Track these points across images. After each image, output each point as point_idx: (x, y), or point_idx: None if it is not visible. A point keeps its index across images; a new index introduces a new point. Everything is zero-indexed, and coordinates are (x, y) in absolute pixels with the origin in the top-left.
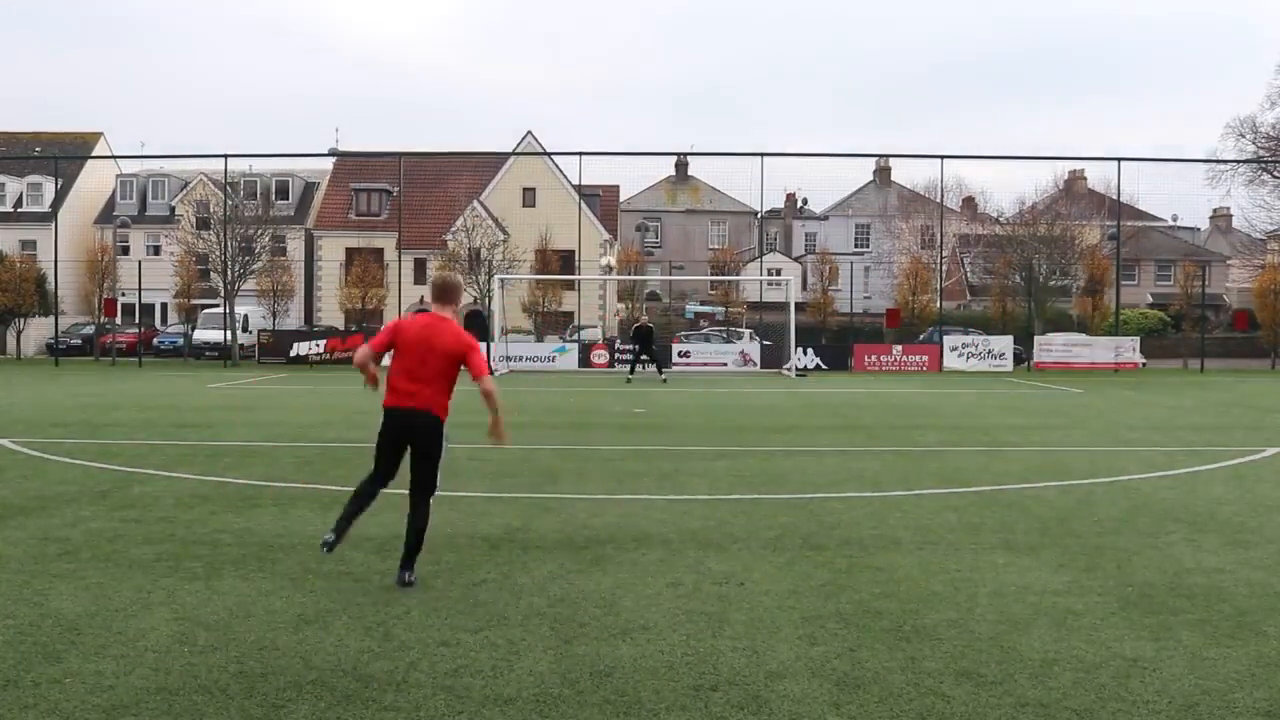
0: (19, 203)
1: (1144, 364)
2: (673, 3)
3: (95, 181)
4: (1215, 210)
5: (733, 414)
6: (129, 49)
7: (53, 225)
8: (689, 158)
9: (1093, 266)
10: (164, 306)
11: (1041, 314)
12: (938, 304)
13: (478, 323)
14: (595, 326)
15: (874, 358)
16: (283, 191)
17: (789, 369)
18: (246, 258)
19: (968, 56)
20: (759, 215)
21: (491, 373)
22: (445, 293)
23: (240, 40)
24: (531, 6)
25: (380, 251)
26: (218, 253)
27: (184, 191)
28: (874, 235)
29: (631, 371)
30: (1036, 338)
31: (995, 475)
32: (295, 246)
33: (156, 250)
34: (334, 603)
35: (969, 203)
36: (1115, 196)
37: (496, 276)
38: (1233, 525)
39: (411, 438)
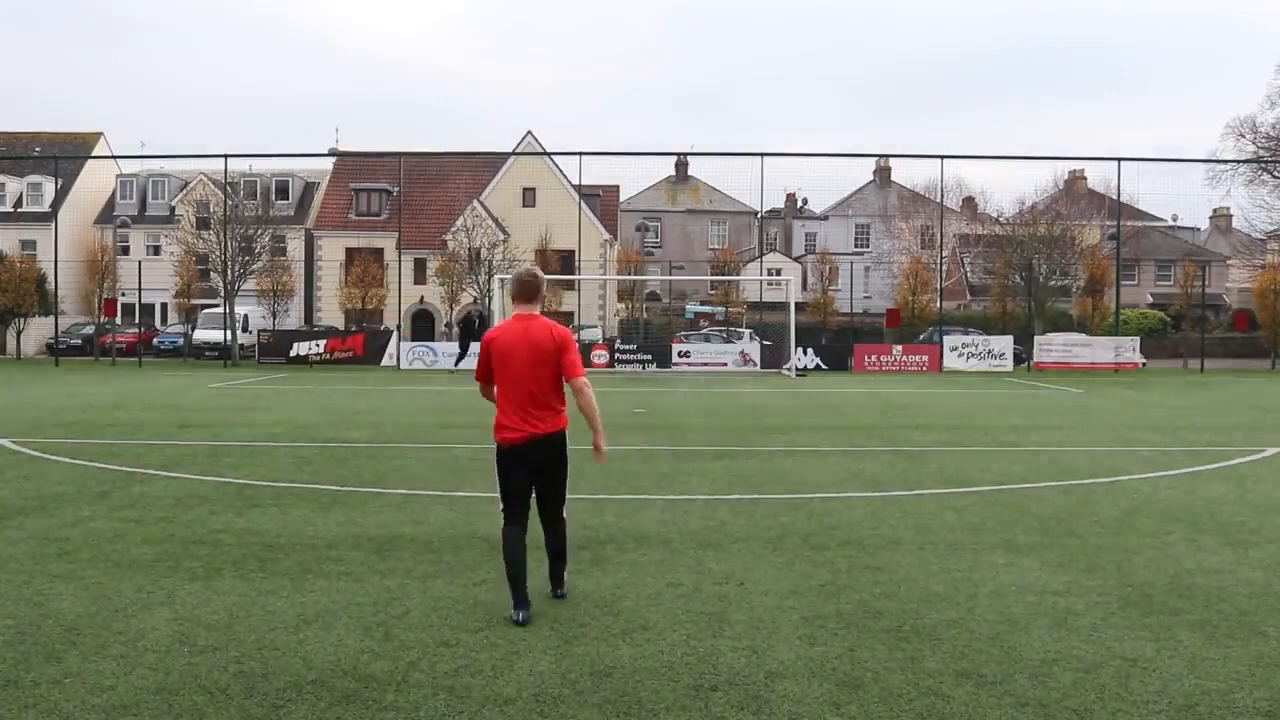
0: (19, 203)
1: (1144, 364)
2: (673, 3)
3: (95, 181)
4: (1215, 210)
5: (733, 414)
6: (129, 49)
7: (53, 225)
8: (689, 158)
9: (1093, 266)
10: (164, 306)
11: (1041, 314)
12: (938, 304)
13: (480, 325)
14: (595, 326)
15: (874, 358)
16: (283, 191)
17: (789, 369)
18: (246, 258)
19: (968, 56)
20: (759, 215)
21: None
22: (529, 290)
23: (240, 40)
24: (532, 6)
25: (380, 251)
26: (218, 253)
27: (184, 191)
28: (874, 235)
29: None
30: (1036, 338)
31: (995, 475)
32: (295, 246)
33: (156, 250)
34: (334, 603)
35: (969, 203)
36: (1115, 196)
37: (496, 276)
38: (1233, 525)
39: (540, 466)
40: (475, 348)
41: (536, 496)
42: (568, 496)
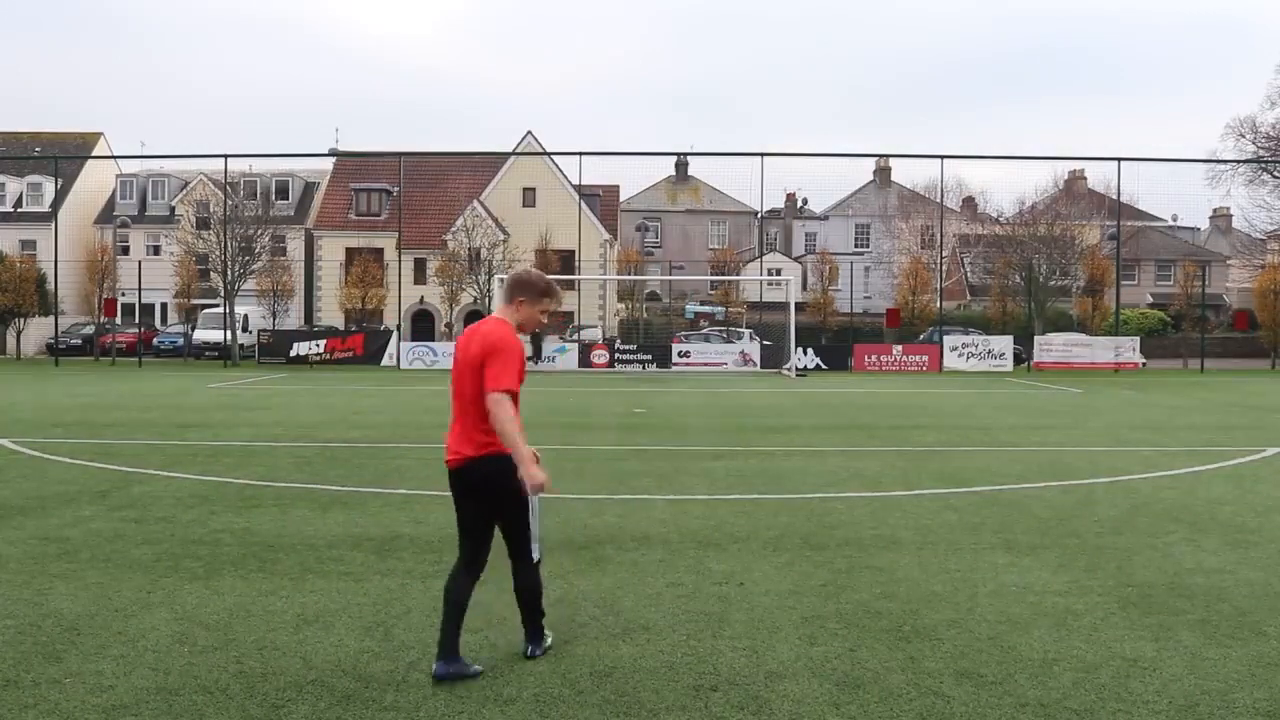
0: (19, 203)
1: (1144, 364)
2: (673, 3)
3: (95, 181)
4: (1215, 210)
5: (733, 414)
6: (129, 49)
7: (53, 225)
8: (689, 158)
9: (1093, 266)
10: (164, 306)
11: (1041, 314)
12: (938, 304)
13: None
14: (595, 326)
15: (874, 358)
16: (283, 191)
17: (789, 369)
18: (246, 258)
19: (968, 56)
20: (759, 215)
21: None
22: (508, 289)
23: (240, 40)
24: (532, 7)
25: (380, 251)
26: (218, 253)
27: (184, 191)
28: (874, 235)
29: None
30: (1036, 338)
31: (995, 475)
32: (295, 246)
33: (156, 250)
34: (334, 603)
35: (969, 203)
36: (1115, 196)
37: (496, 276)
38: (1233, 525)
39: (480, 495)
40: (547, 347)
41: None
42: (535, 536)
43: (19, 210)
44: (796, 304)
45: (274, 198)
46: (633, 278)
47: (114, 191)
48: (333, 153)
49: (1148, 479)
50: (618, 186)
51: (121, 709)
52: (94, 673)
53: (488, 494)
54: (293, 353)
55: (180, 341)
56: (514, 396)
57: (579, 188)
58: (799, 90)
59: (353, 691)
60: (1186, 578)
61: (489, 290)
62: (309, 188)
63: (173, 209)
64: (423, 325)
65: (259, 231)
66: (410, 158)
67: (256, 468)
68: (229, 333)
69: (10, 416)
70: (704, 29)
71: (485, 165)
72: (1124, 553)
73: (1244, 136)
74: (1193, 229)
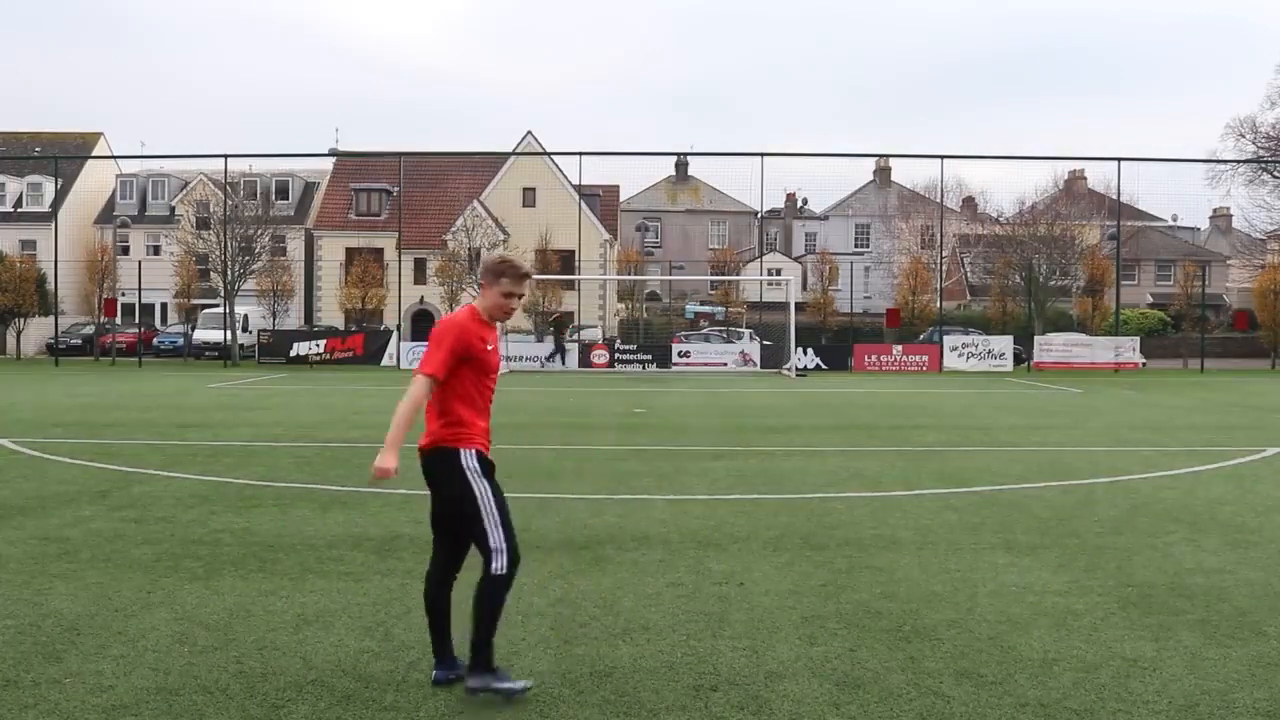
0: (19, 203)
1: (1144, 364)
2: (673, 3)
3: (95, 181)
4: (1215, 210)
5: (733, 414)
6: (129, 49)
7: (53, 225)
8: (689, 158)
9: (1093, 266)
10: (164, 306)
11: (1041, 314)
12: (938, 304)
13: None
14: (595, 326)
15: (874, 358)
16: (283, 191)
17: (789, 369)
18: (246, 258)
19: (968, 56)
20: (759, 215)
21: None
22: (480, 274)
23: (240, 40)
24: (532, 7)
25: (380, 251)
26: (218, 253)
27: (184, 191)
28: (874, 235)
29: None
30: (1036, 338)
31: (995, 475)
32: (295, 246)
33: (156, 250)
34: (334, 603)
35: (969, 203)
36: (1115, 196)
37: None
38: (1233, 525)
39: (430, 488)
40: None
41: None
42: (495, 546)
43: (19, 210)
44: (796, 304)
45: (274, 198)
46: (633, 278)
47: (114, 191)
48: (333, 153)
49: (1148, 479)
50: (618, 186)
51: (121, 709)
52: (94, 673)
53: (433, 488)
54: (293, 353)
55: (180, 341)
56: (470, 382)
57: (579, 188)
58: (799, 90)
59: (353, 691)
60: (1186, 578)
61: None
62: (309, 188)
63: (173, 209)
64: (423, 325)
65: (259, 231)
66: (410, 158)
67: (256, 468)
68: (229, 333)
69: (10, 416)
70: (704, 29)
71: (485, 165)
72: (1124, 553)
73: (1244, 136)
74: (1193, 229)
